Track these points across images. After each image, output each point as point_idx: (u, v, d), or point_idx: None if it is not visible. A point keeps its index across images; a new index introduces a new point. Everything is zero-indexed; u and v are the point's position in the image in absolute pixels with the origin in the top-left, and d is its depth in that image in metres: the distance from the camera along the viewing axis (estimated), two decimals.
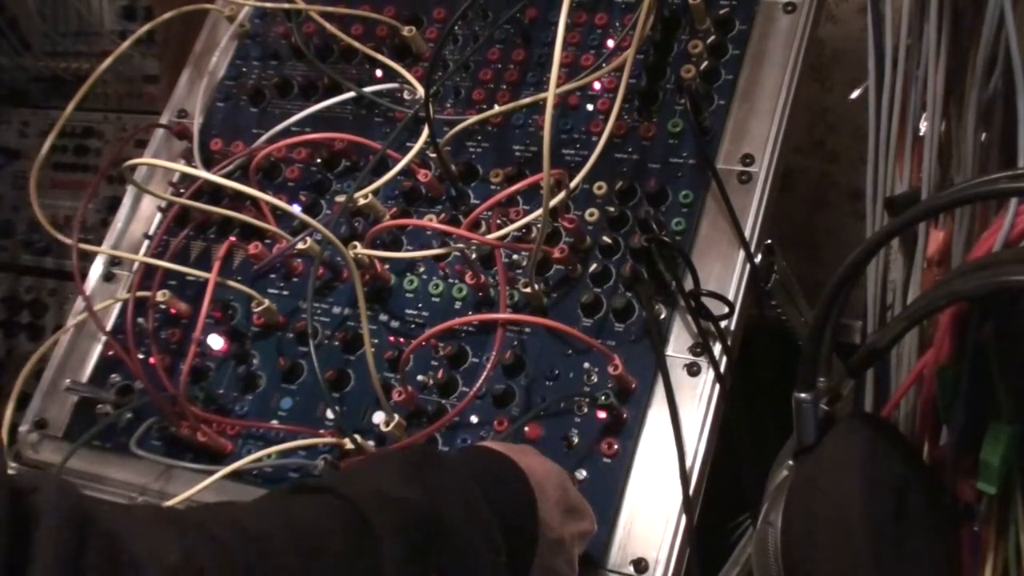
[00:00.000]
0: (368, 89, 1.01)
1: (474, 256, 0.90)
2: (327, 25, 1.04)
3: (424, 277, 0.93)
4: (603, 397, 0.81)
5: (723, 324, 0.82)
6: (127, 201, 1.09)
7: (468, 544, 0.60)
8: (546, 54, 0.99)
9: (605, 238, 0.88)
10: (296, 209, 0.94)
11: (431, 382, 0.88)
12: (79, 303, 1.03)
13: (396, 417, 0.85)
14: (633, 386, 0.82)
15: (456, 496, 0.61)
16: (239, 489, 0.88)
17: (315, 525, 0.55)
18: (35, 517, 0.43)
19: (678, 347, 0.83)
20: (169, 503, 0.86)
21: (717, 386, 0.81)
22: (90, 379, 1.00)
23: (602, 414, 0.81)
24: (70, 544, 0.44)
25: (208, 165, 1.04)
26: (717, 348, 0.81)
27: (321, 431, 0.89)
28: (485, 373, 0.85)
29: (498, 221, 0.89)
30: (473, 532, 0.60)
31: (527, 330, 0.88)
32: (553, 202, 0.85)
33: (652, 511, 0.77)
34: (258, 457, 0.87)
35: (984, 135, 0.74)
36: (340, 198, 0.96)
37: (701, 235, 0.86)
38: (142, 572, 0.46)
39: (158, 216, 1.06)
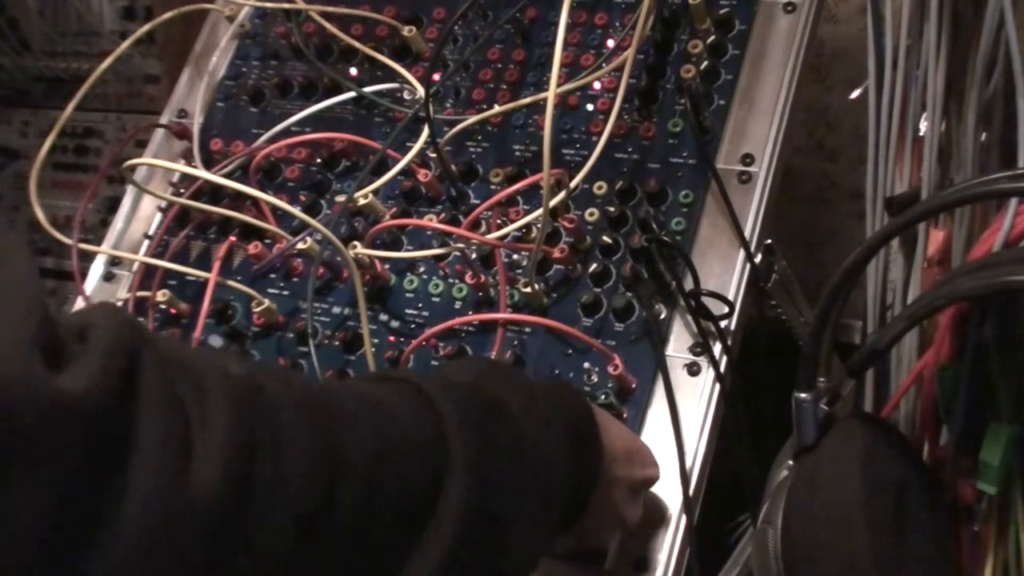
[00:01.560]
0: (368, 89, 1.01)
1: (474, 256, 0.90)
2: (327, 25, 1.04)
3: (424, 277, 0.93)
4: (603, 397, 0.81)
5: (723, 324, 0.82)
6: (127, 201, 1.09)
7: (527, 434, 0.60)
8: (546, 54, 0.99)
9: (605, 238, 0.88)
10: (296, 209, 0.94)
11: None
12: (79, 303, 1.03)
13: None
14: (633, 386, 0.82)
15: (521, 395, 0.62)
16: None
17: (378, 393, 0.56)
18: (88, 325, 0.41)
19: (678, 347, 0.83)
20: None
21: (717, 386, 0.80)
22: None
23: None
24: (124, 342, 0.41)
25: (208, 165, 1.04)
26: (717, 348, 0.81)
27: None
28: None
29: (498, 221, 0.89)
30: (533, 427, 0.60)
31: (527, 330, 0.88)
32: (553, 202, 0.85)
33: (652, 511, 0.77)
34: None
35: (984, 135, 0.74)
36: (340, 198, 0.96)
37: (701, 235, 0.86)
38: (203, 376, 0.45)
39: (158, 216, 1.06)
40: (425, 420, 0.55)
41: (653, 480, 0.75)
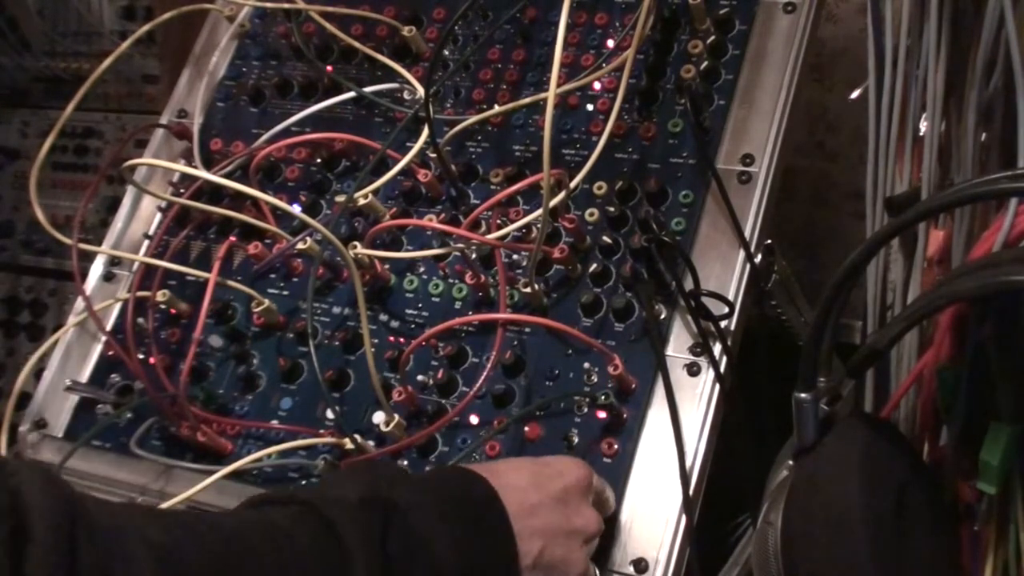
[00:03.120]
0: (368, 89, 1.01)
1: (474, 256, 0.90)
2: (327, 25, 1.04)
3: (424, 277, 0.93)
4: (603, 397, 0.81)
5: (723, 324, 0.82)
6: (127, 201, 1.09)
7: (420, 526, 0.62)
8: (546, 54, 0.99)
9: (605, 238, 0.88)
10: (296, 209, 0.94)
11: (431, 382, 0.88)
12: (79, 303, 1.03)
13: (396, 417, 0.85)
14: (633, 386, 0.82)
15: (407, 491, 0.64)
16: (239, 489, 0.88)
17: (282, 525, 0.59)
18: (25, 513, 0.44)
19: (678, 347, 0.83)
20: (169, 503, 0.86)
21: (717, 386, 0.80)
22: (90, 379, 1.00)
23: (602, 414, 0.81)
24: (63, 532, 0.45)
25: (208, 165, 1.04)
26: (717, 348, 0.81)
27: (321, 431, 0.89)
28: (485, 373, 0.85)
29: (498, 221, 0.89)
30: (424, 517, 0.62)
31: (527, 330, 0.88)
32: (553, 202, 0.85)
33: (652, 511, 0.77)
34: (258, 457, 0.87)
35: (984, 135, 0.74)
36: (340, 198, 0.96)
37: (701, 235, 0.86)
38: (129, 554, 0.48)
39: (158, 216, 1.06)
40: (327, 546, 0.58)
41: (577, 481, 0.72)
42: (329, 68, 1.06)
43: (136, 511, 0.57)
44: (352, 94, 1.01)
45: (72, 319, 1.04)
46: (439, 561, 0.61)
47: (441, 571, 0.61)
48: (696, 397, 0.80)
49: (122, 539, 0.48)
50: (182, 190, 1.04)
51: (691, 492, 0.77)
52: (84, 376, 1.01)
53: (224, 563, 0.53)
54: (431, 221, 0.94)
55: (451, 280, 0.92)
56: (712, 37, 0.93)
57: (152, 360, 0.95)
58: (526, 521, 0.67)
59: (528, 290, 0.86)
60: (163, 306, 0.98)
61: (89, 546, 0.46)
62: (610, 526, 0.77)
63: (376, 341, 0.90)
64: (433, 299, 0.92)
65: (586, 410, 0.82)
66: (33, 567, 0.43)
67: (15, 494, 0.44)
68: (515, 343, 0.87)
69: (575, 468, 0.73)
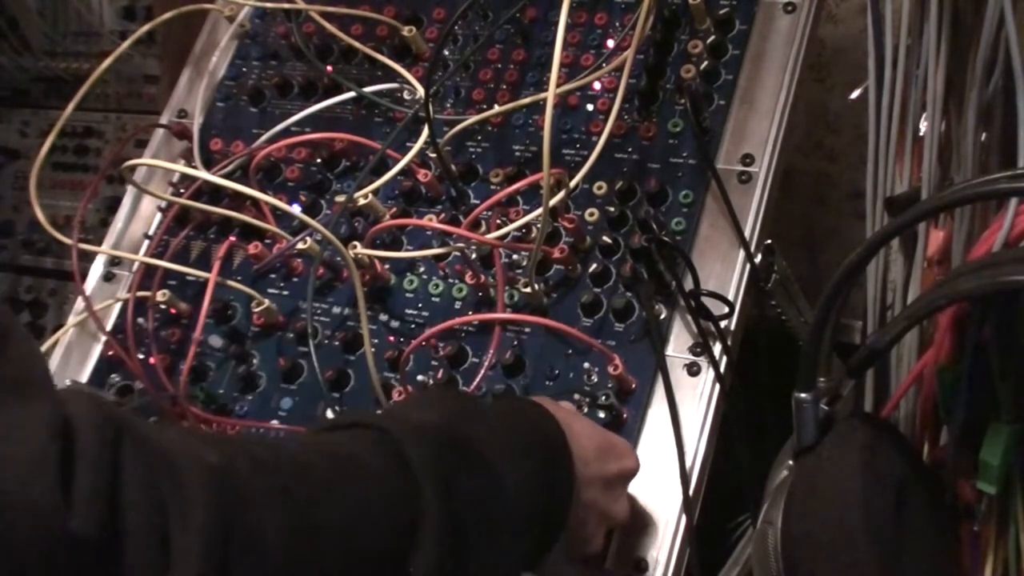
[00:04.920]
0: (368, 89, 1.01)
1: (474, 256, 0.90)
2: (327, 25, 1.04)
3: (424, 277, 0.93)
4: (603, 397, 0.81)
5: (723, 324, 0.82)
6: (127, 201, 1.09)
7: (497, 471, 0.61)
8: (546, 54, 0.99)
9: (605, 238, 0.88)
10: (296, 209, 0.94)
11: (431, 382, 0.88)
12: (79, 303, 1.03)
13: None
14: (633, 386, 0.82)
15: (485, 426, 0.64)
16: None
17: (349, 448, 0.57)
18: (71, 428, 0.44)
19: (678, 347, 0.83)
20: None
21: (717, 386, 0.81)
22: (90, 379, 1.00)
23: (602, 414, 0.81)
24: (107, 448, 0.45)
25: (208, 165, 1.04)
26: (717, 348, 0.81)
27: None
28: (482, 373, 0.85)
29: (498, 221, 0.89)
30: (501, 461, 0.62)
31: (527, 330, 0.88)
32: (553, 202, 0.85)
33: (652, 511, 0.77)
34: None
35: (984, 135, 0.74)
36: (340, 198, 0.96)
37: (701, 235, 0.86)
38: (179, 470, 0.47)
39: (158, 216, 1.06)
40: (396, 473, 0.56)
41: (630, 471, 0.74)
42: (329, 68, 1.05)
43: (193, 436, 0.55)
44: (352, 94, 1.01)
45: (72, 319, 1.04)
46: (506, 496, 0.61)
47: (508, 507, 0.61)
48: (696, 397, 0.80)
49: (172, 456, 0.47)
50: (182, 190, 1.04)
51: (691, 492, 0.77)
52: (84, 376, 1.01)
53: (283, 486, 0.51)
54: (431, 221, 0.94)
55: (451, 280, 0.92)
56: (712, 37, 0.93)
57: (152, 360, 0.95)
58: (579, 488, 0.68)
59: (528, 290, 0.86)
60: (163, 306, 0.98)
61: (134, 462, 0.45)
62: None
63: (376, 341, 0.90)
64: (433, 299, 0.92)
65: (586, 410, 0.82)
66: (80, 483, 0.43)
67: (67, 419, 0.44)
68: (515, 343, 0.87)
69: (633, 458, 0.75)
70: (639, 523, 0.77)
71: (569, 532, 0.68)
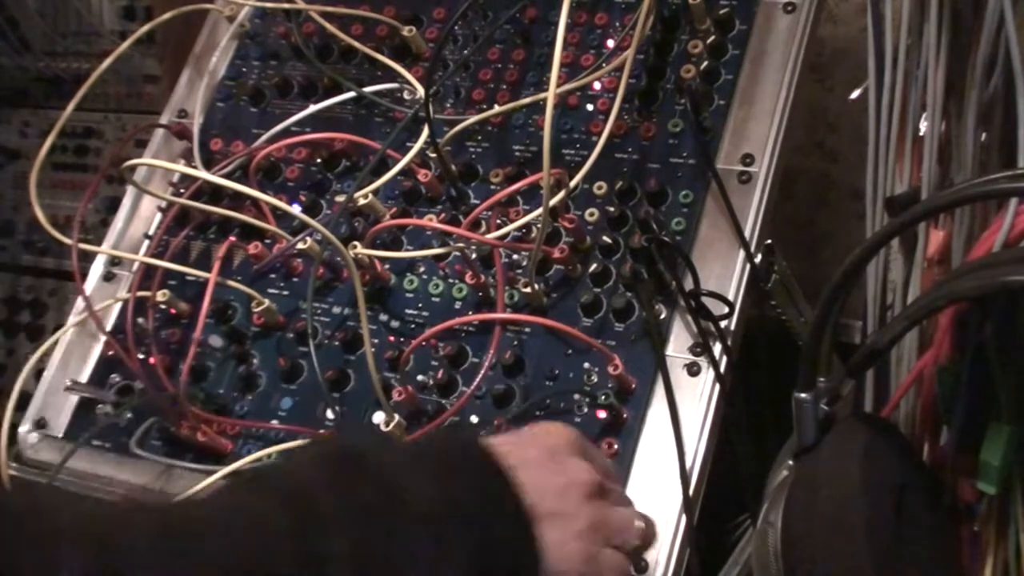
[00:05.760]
0: (368, 89, 1.01)
1: (474, 256, 0.90)
2: (327, 25, 1.04)
3: (424, 277, 0.93)
4: (603, 397, 0.81)
5: (723, 324, 0.82)
6: (127, 201, 1.09)
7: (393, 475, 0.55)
8: (546, 54, 0.99)
9: (605, 238, 0.88)
10: (296, 209, 0.94)
11: (431, 382, 0.88)
12: (79, 303, 1.03)
13: (396, 417, 0.85)
14: (633, 386, 0.82)
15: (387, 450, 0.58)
16: None
17: (233, 493, 0.54)
18: None
19: (678, 347, 0.83)
20: None
21: (717, 386, 0.80)
22: (90, 379, 1.00)
23: (602, 414, 0.81)
24: None
25: (208, 165, 1.04)
26: (717, 348, 0.81)
27: (321, 431, 0.89)
28: (482, 373, 0.85)
29: (498, 221, 0.89)
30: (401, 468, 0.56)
31: (527, 330, 0.88)
32: (553, 202, 0.85)
33: (652, 511, 0.77)
34: (258, 457, 0.87)
35: (984, 135, 0.74)
36: (340, 198, 0.96)
37: (701, 235, 0.86)
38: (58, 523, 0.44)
39: (158, 216, 1.06)
40: (297, 508, 0.51)
41: (566, 440, 0.67)
42: (354, 72, 1.05)
43: (64, 493, 0.52)
44: (352, 94, 1.01)
45: (72, 319, 1.04)
46: (418, 503, 0.54)
47: (423, 513, 0.54)
48: (696, 397, 0.80)
49: (39, 521, 0.44)
50: (182, 190, 1.04)
51: (691, 492, 0.77)
52: (84, 376, 1.01)
53: (170, 539, 0.47)
54: (431, 221, 0.94)
55: (451, 280, 0.92)
56: (712, 37, 0.93)
57: (152, 360, 0.95)
58: (515, 475, 0.60)
59: (528, 290, 0.86)
60: (163, 306, 0.98)
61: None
62: None
63: (376, 341, 0.90)
64: (433, 299, 0.92)
65: (586, 410, 0.82)
66: None
67: None
68: (515, 343, 0.87)
69: (559, 428, 0.69)
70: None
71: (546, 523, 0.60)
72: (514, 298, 0.88)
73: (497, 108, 0.96)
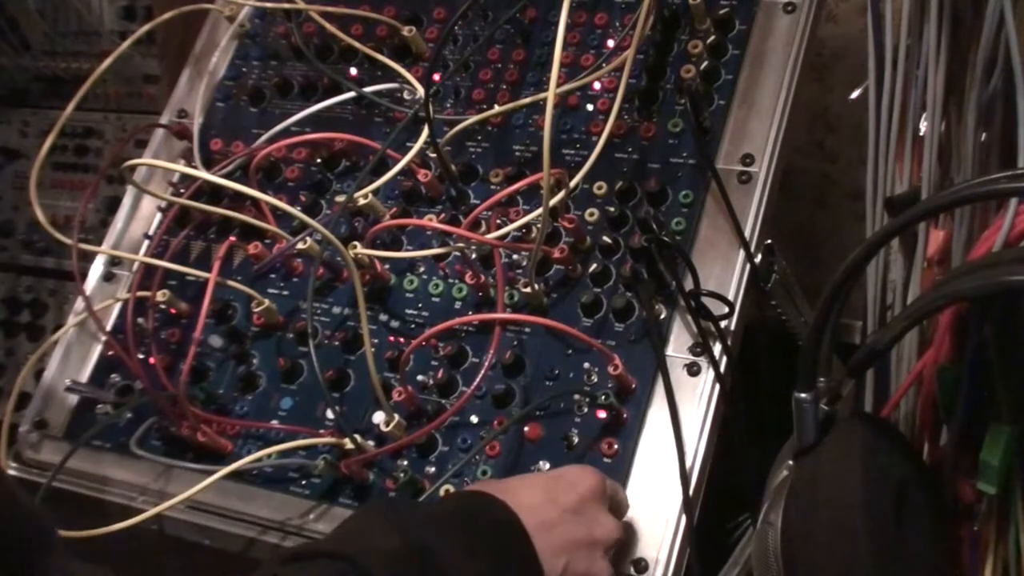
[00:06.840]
0: (368, 89, 1.01)
1: (474, 256, 0.90)
2: (327, 25, 1.04)
3: (424, 277, 0.93)
4: (603, 397, 0.81)
5: (723, 324, 0.82)
6: (127, 201, 1.09)
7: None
8: (546, 54, 0.99)
9: (605, 238, 0.88)
10: (296, 209, 0.94)
11: (431, 382, 0.88)
12: (79, 303, 1.03)
13: (396, 417, 0.85)
14: (633, 386, 0.82)
15: (440, 536, 0.65)
16: (239, 489, 0.88)
17: None
18: None
19: (678, 347, 0.83)
20: (170, 503, 0.86)
21: (717, 386, 0.80)
22: (90, 379, 1.00)
23: (602, 414, 0.81)
24: None
25: (208, 165, 1.04)
26: (717, 348, 0.81)
27: (321, 431, 0.89)
28: (482, 372, 0.85)
29: (498, 221, 0.89)
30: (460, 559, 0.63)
31: (527, 330, 0.88)
32: (553, 202, 0.85)
33: (652, 511, 0.77)
34: (258, 457, 0.87)
35: (984, 135, 0.74)
36: (340, 198, 0.96)
37: (701, 235, 0.86)
38: None
39: (158, 216, 1.06)
40: None
41: (590, 492, 0.73)
42: (354, 72, 1.05)
43: None
44: (352, 94, 1.01)
45: (72, 319, 1.04)
46: None
47: None
48: (696, 397, 0.80)
49: None
50: (182, 190, 1.04)
51: (691, 492, 0.77)
52: (84, 376, 1.01)
53: None
54: (431, 221, 0.94)
55: (451, 280, 0.92)
56: (712, 37, 0.93)
57: (152, 360, 0.95)
58: (546, 539, 0.68)
59: (528, 290, 0.86)
60: (163, 306, 0.98)
61: None
62: None
63: (376, 341, 0.90)
64: (433, 299, 0.92)
65: (586, 410, 0.82)
66: None
67: None
68: (515, 343, 0.87)
69: (587, 477, 0.74)
70: (639, 523, 0.77)
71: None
72: (514, 298, 0.88)
73: (497, 108, 0.96)
